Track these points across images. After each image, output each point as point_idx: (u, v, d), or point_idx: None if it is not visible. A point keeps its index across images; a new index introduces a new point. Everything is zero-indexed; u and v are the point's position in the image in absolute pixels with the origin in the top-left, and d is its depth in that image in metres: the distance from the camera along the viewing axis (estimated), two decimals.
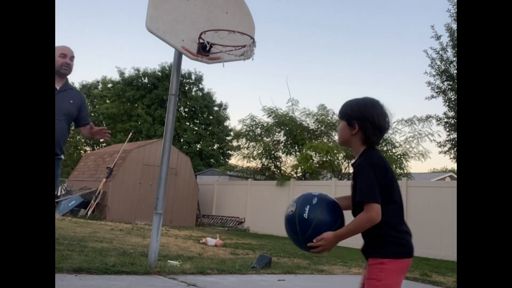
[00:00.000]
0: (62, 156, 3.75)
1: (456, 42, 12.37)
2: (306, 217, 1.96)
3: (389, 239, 1.90)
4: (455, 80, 12.58)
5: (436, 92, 13.23)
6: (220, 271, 5.11)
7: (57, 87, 3.71)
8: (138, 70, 27.53)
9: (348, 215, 1.99)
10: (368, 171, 1.90)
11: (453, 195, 9.93)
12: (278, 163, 17.13)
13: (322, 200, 2.00)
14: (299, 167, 15.08)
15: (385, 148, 15.70)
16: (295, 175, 15.84)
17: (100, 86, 31.20)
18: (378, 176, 1.89)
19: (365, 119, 1.96)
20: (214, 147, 27.27)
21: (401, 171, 14.49)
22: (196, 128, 27.21)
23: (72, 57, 3.78)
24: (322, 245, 1.91)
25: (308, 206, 1.98)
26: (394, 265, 1.86)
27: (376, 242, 1.91)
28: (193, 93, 27.84)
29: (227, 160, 26.72)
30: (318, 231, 1.92)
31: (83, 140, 29.54)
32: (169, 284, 4.24)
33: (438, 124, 13.79)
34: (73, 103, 3.77)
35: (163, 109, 25.47)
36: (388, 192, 1.91)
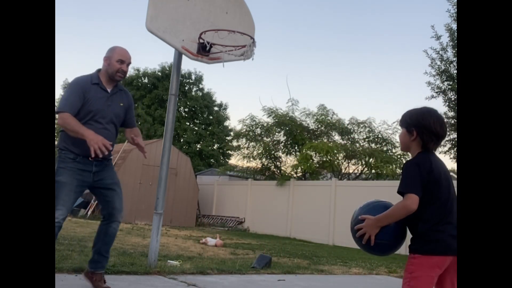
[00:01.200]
0: (110, 158, 3.73)
1: (456, 42, 12.36)
2: (354, 213, 2.24)
3: (421, 236, 2.04)
4: (455, 80, 12.57)
5: (436, 92, 13.22)
6: (220, 271, 5.11)
7: (108, 89, 3.54)
8: (138, 70, 27.49)
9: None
10: (413, 167, 2.09)
11: None
12: (278, 163, 17.13)
13: (372, 201, 2.25)
14: (299, 167, 15.08)
15: (385, 148, 15.72)
16: (295, 175, 15.84)
17: None
18: (422, 174, 2.05)
19: (423, 126, 2.13)
20: (214, 147, 27.24)
21: (401, 171, 14.48)
22: (196, 128, 27.18)
23: (129, 64, 3.58)
24: (364, 226, 2.11)
25: (358, 208, 2.25)
26: (424, 260, 2.01)
27: (412, 238, 2.09)
28: (193, 93, 27.80)
29: (227, 160, 26.69)
30: (358, 221, 2.16)
31: None
32: (169, 284, 4.23)
33: None
34: (123, 105, 3.62)
35: (163, 109, 25.44)
36: (429, 191, 2.04)
